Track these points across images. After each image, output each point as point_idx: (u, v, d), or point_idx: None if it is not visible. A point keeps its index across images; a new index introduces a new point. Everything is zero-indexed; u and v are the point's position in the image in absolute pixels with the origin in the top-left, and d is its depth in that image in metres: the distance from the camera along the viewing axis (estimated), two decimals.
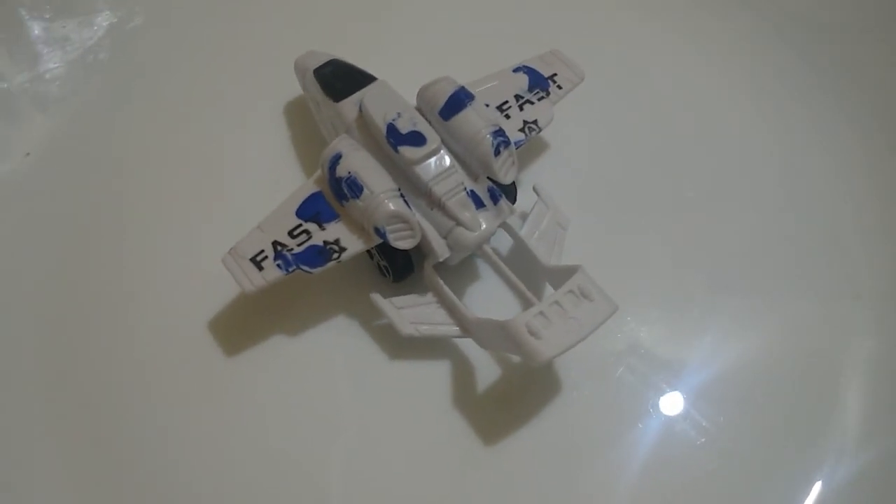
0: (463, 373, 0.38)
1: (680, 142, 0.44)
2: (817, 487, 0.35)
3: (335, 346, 0.38)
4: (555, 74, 0.40)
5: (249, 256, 0.35)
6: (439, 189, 0.35)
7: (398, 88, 0.38)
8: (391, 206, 0.34)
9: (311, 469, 0.36)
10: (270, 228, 0.36)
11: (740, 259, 0.40)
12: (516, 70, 0.40)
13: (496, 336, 0.34)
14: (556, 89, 0.40)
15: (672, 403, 0.37)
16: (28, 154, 0.43)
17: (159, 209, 0.42)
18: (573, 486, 0.35)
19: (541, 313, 0.32)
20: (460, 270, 0.39)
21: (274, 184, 0.39)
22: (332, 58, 0.41)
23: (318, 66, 0.41)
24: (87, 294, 0.40)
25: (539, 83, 0.40)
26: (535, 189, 0.39)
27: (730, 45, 0.47)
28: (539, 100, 0.39)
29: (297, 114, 0.45)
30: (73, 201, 0.42)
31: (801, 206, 0.42)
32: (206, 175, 0.43)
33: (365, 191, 0.35)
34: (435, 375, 0.38)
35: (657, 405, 0.37)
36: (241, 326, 0.38)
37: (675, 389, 0.37)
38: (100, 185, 0.42)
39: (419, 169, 0.35)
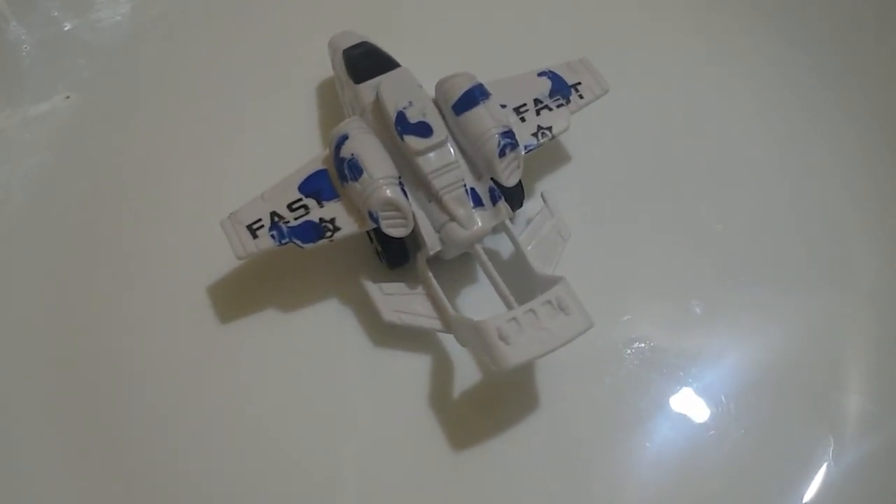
0: (454, 369, 0.38)
1: (684, 140, 0.43)
2: (820, 481, 0.36)
3: (328, 326, 0.39)
4: (579, 83, 0.40)
5: (247, 223, 0.36)
6: (438, 182, 0.35)
7: (423, 79, 0.38)
8: (387, 193, 0.35)
9: (290, 450, 0.36)
10: (272, 199, 0.37)
11: (742, 258, 0.40)
12: (541, 74, 0.39)
13: (470, 335, 0.34)
14: (578, 98, 0.39)
15: (674, 401, 0.37)
16: (68, 97, 0.45)
17: (177, 171, 0.43)
18: (575, 486, 0.36)
19: (514, 319, 0.32)
20: (458, 269, 0.39)
21: (294, 161, 0.39)
22: (364, 40, 0.41)
23: (349, 46, 0.41)
24: (94, 241, 0.41)
25: (561, 90, 0.39)
26: (543, 196, 0.39)
27: (732, 44, 0.47)
28: (558, 107, 0.39)
29: (327, 94, 0.45)
30: (99, 151, 0.43)
31: (804, 204, 0.42)
32: (229, 145, 0.43)
33: (364, 174, 0.35)
34: (426, 368, 0.38)
35: (659, 403, 0.37)
36: (237, 298, 0.39)
37: (678, 386, 0.37)
38: (126, 140, 0.44)
39: (421, 160, 0.36)
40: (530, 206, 0.40)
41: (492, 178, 0.36)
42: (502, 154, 0.36)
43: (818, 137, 0.44)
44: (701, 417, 0.37)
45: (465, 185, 0.36)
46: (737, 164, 0.43)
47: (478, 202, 0.36)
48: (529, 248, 0.37)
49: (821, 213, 0.42)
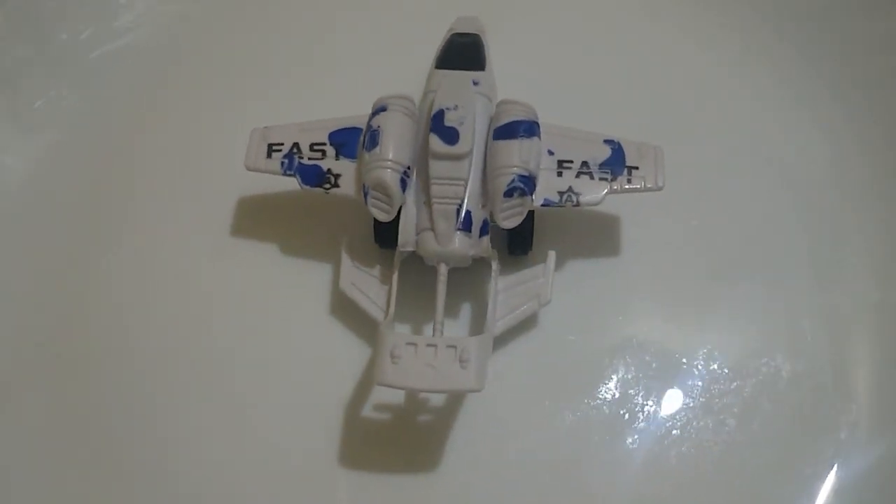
0: None
1: (680, 138, 0.41)
2: (826, 486, 0.35)
3: (317, 287, 0.39)
4: (636, 167, 0.37)
5: (270, 141, 0.38)
6: (436, 190, 0.35)
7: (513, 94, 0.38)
8: (384, 176, 0.35)
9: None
10: (305, 132, 0.38)
11: (740, 262, 0.40)
12: (607, 141, 0.37)
13: None
14: (625, 181, 0.36)
15: (668, 408, 0.36)
16: None
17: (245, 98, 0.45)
18: (568, 494, 0.35)
19: (414, 345, 0.32)
20: (458, 281, 0.37)
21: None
22: (477, 33, 0.41)
23: (460, 31, 0.41)
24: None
25: (614, 165, 0.37)
26: (549, 254, 0.37)
27: (728, 37, 0.46)
28: (601, 179, 0.36)
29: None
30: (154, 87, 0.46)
31: (802, 202, 0.41)
32: (315, 83, 0.45)
33: (376, 149, 0.35)
34: None
35: (652, 409, 0.36)
36: (234, 231, 0.41)
37: (672, 393, 0.37)
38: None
39: (433, 163, 0.36)
40: None
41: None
42: (509, 194, 0.35)
43: (818, 138, 0.43)
44: (697, 426, 0.36)
45: (459, 205, 0.35)
46: (736, 166, 0.42)
47: (466, 226, 0.35)
48: (501, 296, 0.36)
49: (821, 207, 0.41)
